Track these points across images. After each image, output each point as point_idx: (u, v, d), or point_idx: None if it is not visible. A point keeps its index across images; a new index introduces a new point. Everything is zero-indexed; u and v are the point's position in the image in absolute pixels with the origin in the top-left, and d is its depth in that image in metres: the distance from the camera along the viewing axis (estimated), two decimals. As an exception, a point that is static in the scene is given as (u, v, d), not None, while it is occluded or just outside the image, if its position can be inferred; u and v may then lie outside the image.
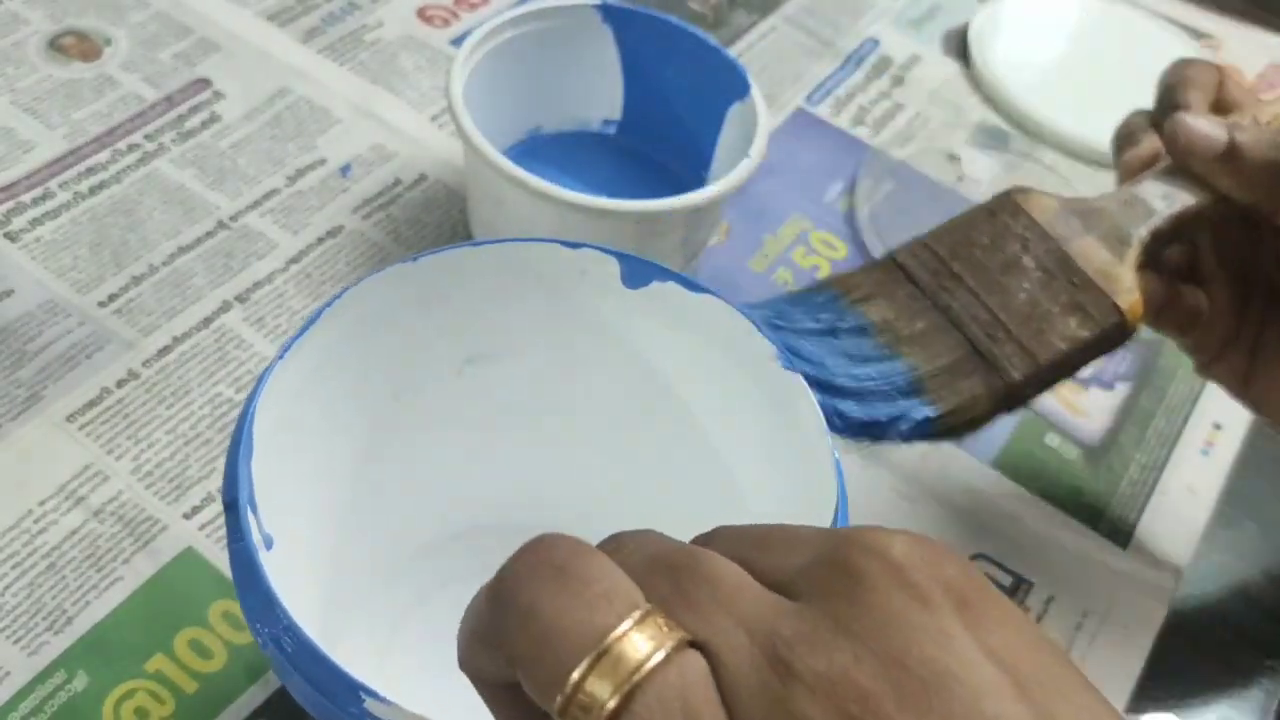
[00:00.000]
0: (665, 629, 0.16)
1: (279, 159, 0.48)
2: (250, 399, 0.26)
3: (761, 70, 0.56)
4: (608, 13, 0.46)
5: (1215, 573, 0.42)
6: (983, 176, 0.54)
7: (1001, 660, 0.15)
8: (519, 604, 0.16)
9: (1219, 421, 0.46)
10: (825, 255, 0.49)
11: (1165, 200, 0.34)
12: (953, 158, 0.54)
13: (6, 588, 0.35)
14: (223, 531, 0.37)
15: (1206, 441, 0.46)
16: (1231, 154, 0.32)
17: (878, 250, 0.49)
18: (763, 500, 0.30)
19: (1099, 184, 0.54)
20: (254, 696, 0.34)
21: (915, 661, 0.15)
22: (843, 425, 0.30)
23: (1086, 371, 0.47)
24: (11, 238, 0.43)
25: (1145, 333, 0.49)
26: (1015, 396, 0.32)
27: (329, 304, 0.28)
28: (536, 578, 0.16)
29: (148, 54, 0.50)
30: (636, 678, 0.15)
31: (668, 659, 0.15)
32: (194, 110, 0.49)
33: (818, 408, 0.27)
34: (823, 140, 0.54)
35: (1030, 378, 0.32)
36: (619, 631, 0.15)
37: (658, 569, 0.17)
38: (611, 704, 0.15)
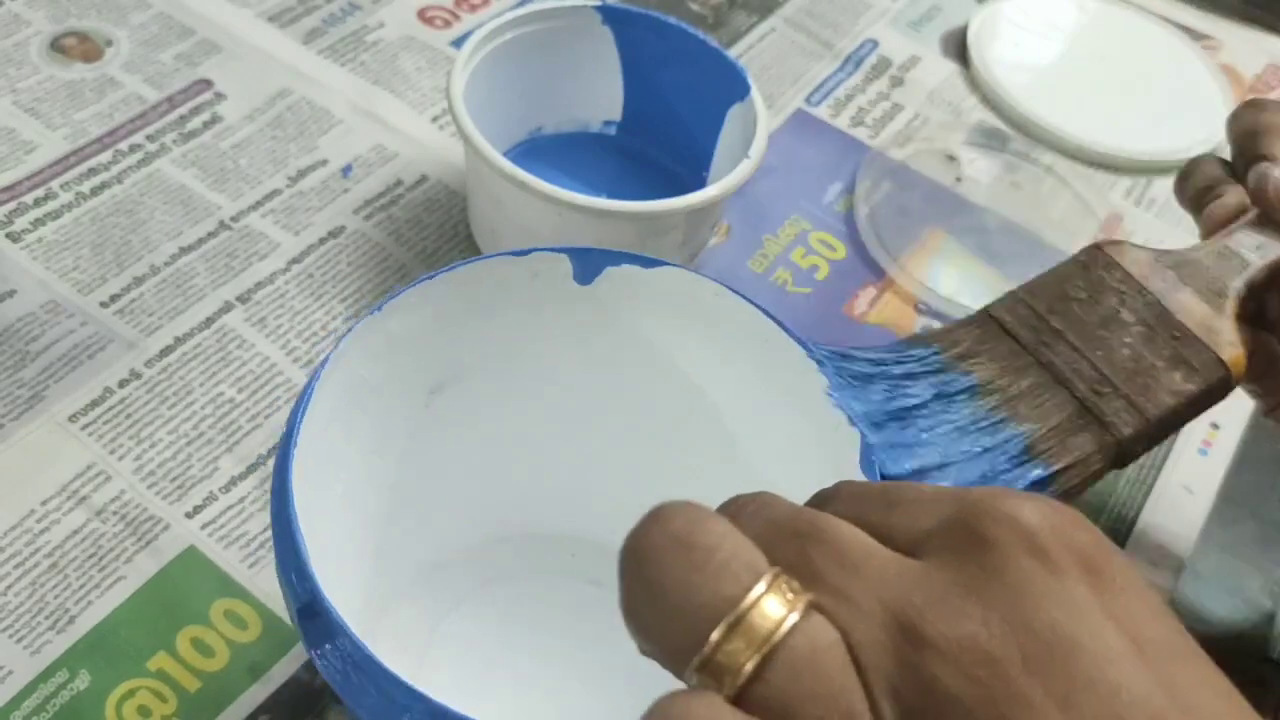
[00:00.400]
0: (792, 594, 0.16)
1: (280, 160, 0.48)
2: (294, 416, 0.26)
3: (761, 71, 0.56)
4: (608, 14, 0.46)
5: (1213, 572, 0.42)
6: (981, 177, 0.54)
7: (1125, 628, 0.15)
8: (645, 580, 0.16)
9: (1217, 421, 0.46)
10: (824, 255, 0.49)
11: (1259, 251, 0.34)
12: (951, 158, 0.55)
13: (9, 587, 0.35)
14: (224, 531, 0.37)
15: (1204, 441, 0.46)
16: None
17: (876, 250, 0.50)
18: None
19: (1099, 185, 0.55)
20: (256, 694, 0.34)
21: (1043, 627, 0.15)
22: None
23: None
24: (14, 238, 0.43)
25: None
26: (1126, 454, 0.31)
27: (365, 317, 0.28)
28: (659, 551, 0.16)
29: (149, 55, 0.51)
30: (769, 645, 0.15)
31: (798, 625, 0.16)
32: (195, 111, 0.49)
33: (842, 412, 0.27)
34: (822, 141, 0.54)
35: (1140, 434, 0.31)
36: (750, 599, 0.16)
37: (782, 535, 0.17)
38: (749, 667, 0.15)
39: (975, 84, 0.59)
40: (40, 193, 0.45)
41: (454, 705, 0.22)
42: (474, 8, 0.56)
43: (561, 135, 0.50)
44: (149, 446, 0.38)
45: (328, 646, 0.23)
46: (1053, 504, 0.17)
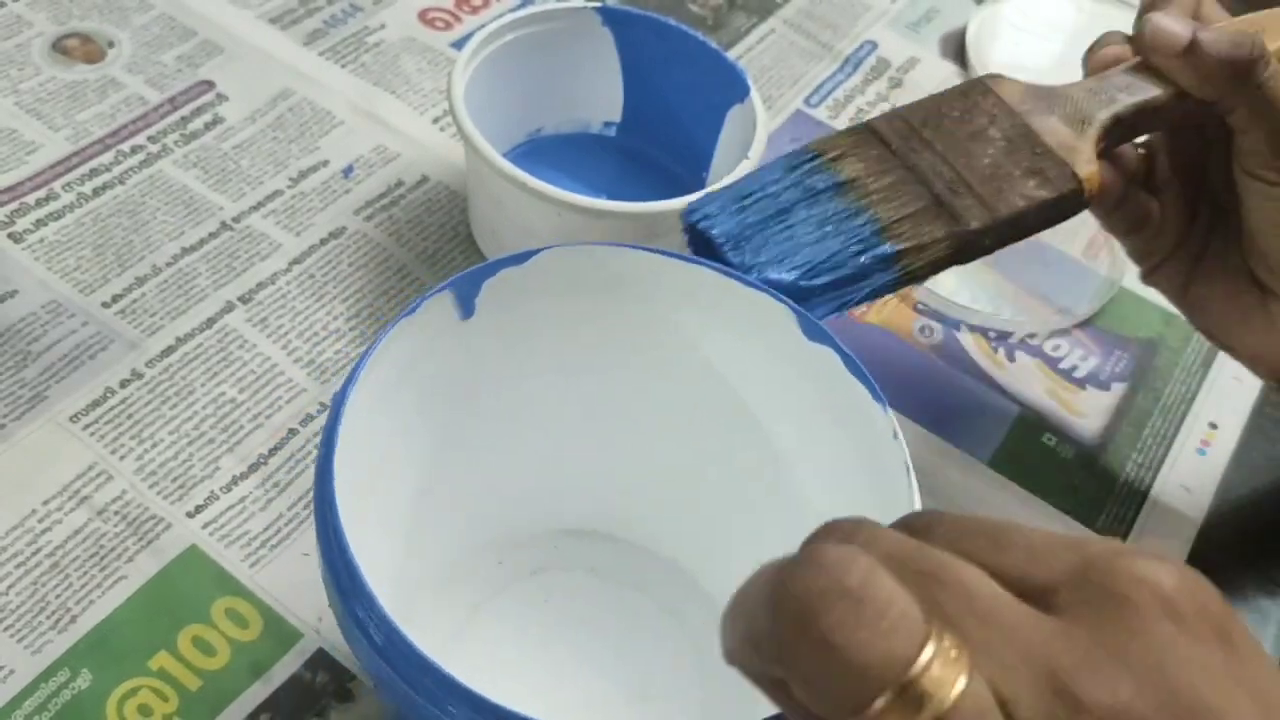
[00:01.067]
0: (954, 658, 0.16)
1: (281, 160, 0.48)
2: (336, 407, 0.27)
3: (761, 72, 0.56)
4: (608, 15, 0.46)
5: (1211, 572, 0.42)
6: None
7: (1254, 694, 0.16)
8: (815, 631, 0.16)
9: (1215, 421, 0.46)
10: (824, 256, 0.49)
11: (1128, 91, 0.36)
12: (951, 159, 0.55)
13: (10, 587, 0.35)
14: (225, 530, 0.37)
15: (1202, 441, 0.46)
16: (1192, 49, 0.34)
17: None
18: (834, 506, 0.31)
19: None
20: (257, 693, 0.34)
21: (1186, 693, 0.16)
22: (815, 298, 0.32)
23: (1081, 371, 0.47)
24: (16, 239, 0.44)
25: (1141, 333, 0.49)
26: (973, 245, 0.34)
27: (404, 315, 0.29)
28: (834, 606, 0.16)
29: (151, 56, 0.51)
30: (939, 712, 0.15)
31: (963, 693, 0.16)
32: (197, 112, 0.49)
33: (889, 415, 0.29)
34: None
35: (988, 228, 0.34)
36: (919, 666, 0.16)
37: (905, 573, 0.17)
38: None
39: (974, 85, 0.59)
40: (42, 193, 0.45)
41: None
42: (475, 9, 0.56)
43: (562, 136, 0.50)
44: (150, 446, 0.39)
45: (364, 627, 0.24)
46: (1181, 566, 0.17)
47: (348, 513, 0.25)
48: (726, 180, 0.42)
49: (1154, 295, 0.51)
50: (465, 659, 0.34)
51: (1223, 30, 0.35)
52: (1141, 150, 0.39)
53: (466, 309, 0.30)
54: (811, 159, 0.34)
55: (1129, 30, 0.38)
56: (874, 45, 0.59)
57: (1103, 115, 0.35)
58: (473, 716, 0.22)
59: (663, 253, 0.31)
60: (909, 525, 0.19)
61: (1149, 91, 0.36)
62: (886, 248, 0.33)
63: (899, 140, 0.35)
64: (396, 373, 0.29)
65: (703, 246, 0.34)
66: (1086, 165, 0.35)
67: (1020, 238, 0.35)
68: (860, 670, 0.16)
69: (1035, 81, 0.37)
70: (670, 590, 0.37)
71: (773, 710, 0.18)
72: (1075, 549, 0.17)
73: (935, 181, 0.34)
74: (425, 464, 0.33)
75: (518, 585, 0.36)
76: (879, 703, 0.15)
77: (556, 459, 0.35)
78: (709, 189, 0.41)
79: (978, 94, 0.36)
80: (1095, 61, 0.37)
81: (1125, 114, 0.36)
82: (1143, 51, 0.36)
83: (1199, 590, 0.17)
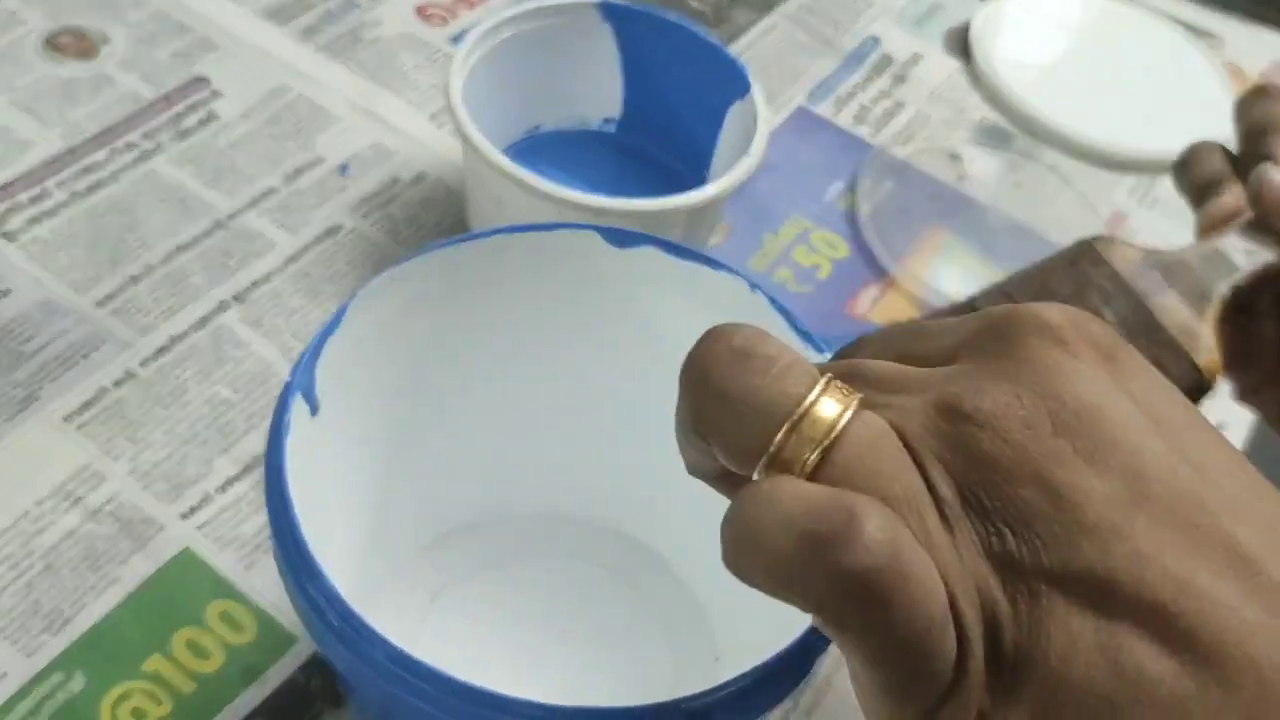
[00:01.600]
0: (846, 393, 0.17)
1: (277, 158, 0.47)
2: (285, 393, 0.26)
3: (762, 69, 0.56)
4: (608, 11, 0.46)
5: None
6: (984, 176, 0.54)
7: (1141, 404, 0.17)
8: (712, 388, 0.18)
9: (1223, 422, 0.46)
10: (826, 254, 0.49)
11: (1248, 256, 0.33)
12: (954, 157, 0.54)
13: (4, 588, 0.35)
14: (220, 531, 0.37)
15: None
16: None
17: (878, 249, 0.49)
18: None
19: (1100, 183, 0.54)
20: (251, 697, 0.33)
21: (1069, 398, 0.16)
22: None
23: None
24: (9, 237, 0.43)
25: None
26: None
27: (360, 289, 0.28)
28: (723, 362, 0.18)
29: (145, 52, 0.50)
30: (832, 435, 0.17)
31: (855, 416, 0.17)
32: (191, 109, 0.49)
33: None
34: (823, 139, 0.54)
35: None
36: (810, 399, 0.17)
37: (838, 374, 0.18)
38: (813, 459, 0.17)
39: (978, 82, 0.58)
40: (35, 191, 0.45)
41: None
42: (472, 5, 0.56)
43: (561, 133, 0.49)
44: (144, 447, 0.38)
45: (323, 614, 0.23)
46: (1069, 306, 0.18)
47: (303, 495, 0.25)
48: (724, 181, 0.41)
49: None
50: (433, 640, 0.34)
51: None
52: None
53: (430, 290, 0.30)
54: None
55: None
56: (877, 41, 0.59)
57: (1222, 288, 0.33)
58: (425, 688, 0.22)
59: (623, 233, 0.31)
60: (841, 350, 0.21)
61: (1269, 256, 0.33)
62: None
63: None
64: (355, 352, 0.29)
65: None
66: (1207, 353, 0.32)
67: None
68: (756, 411, 0.17)
69: (1150, 247, 0.34)
70: (643, 572, 0.37)
71: (740, 671, 0.19)
72: (982, 316, 0.18)
73: None
74: (388, 449, 0.32)
75: (487, 570, 0.36)
76: (778, 437, 0.17)
77: (522, 444, 0.35)
78: (703, 199, 0.40)
79: (1088, 264, 0.33)
80: (1209, 217, 0.35)
81: (1245, 283, 0.33)
82: (1260, 213, 0.33)
83: (1087, 322, 0.18)
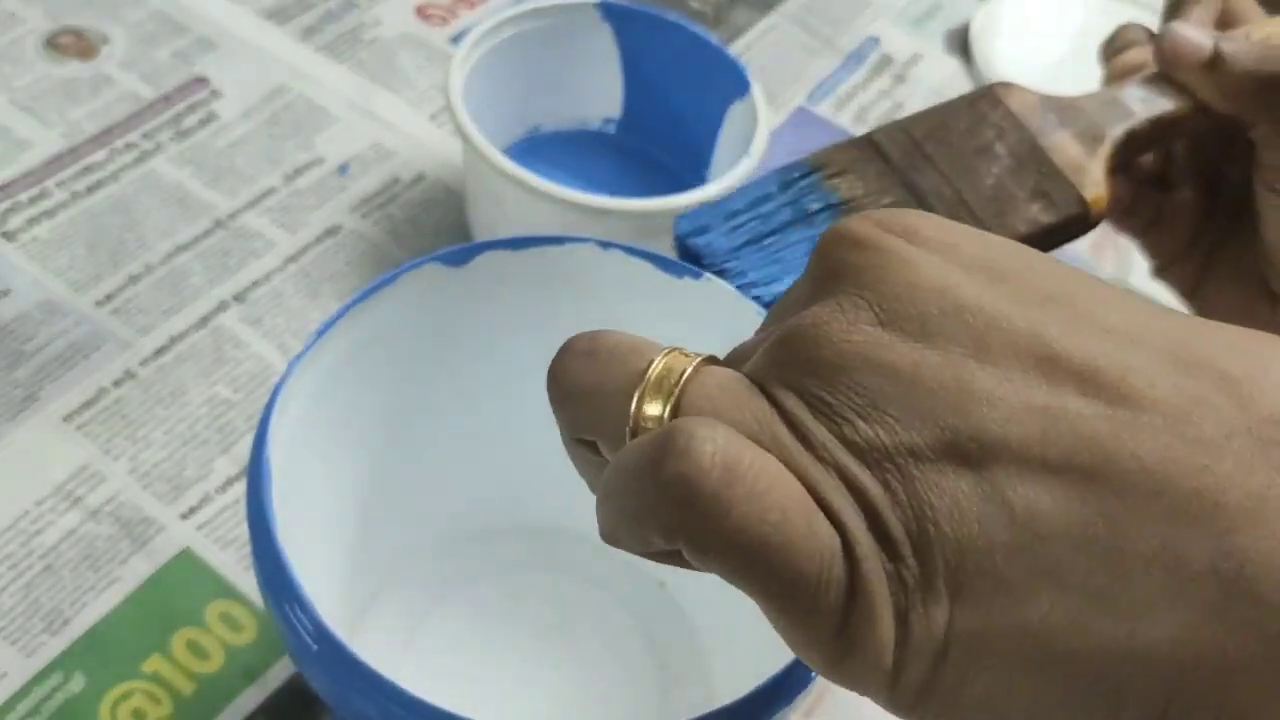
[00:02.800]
0: (688, 354, 0.18)
1: (277, 158, 0.47)
2: (271, 398, 0.26)
3: (762, 69, 0.56)
4: (608, 10, 0.46)
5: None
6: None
7: (967, 264, 0.17)
8: (566, 390, 0.19)
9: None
10: (826, 254, 0.49)
11: (1145, 104, 0.34)
12: (954, 156, 0.54)
13: (3, 589, 0.35)
14: (220, 532, 0.37)
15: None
16: (1215, 64, 0.33)
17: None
18: None
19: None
20: (251, 698, 0.33)
21: (886, 287, 0.17)
22: None
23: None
24: (8, 237, 0.43)
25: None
26: None
27: (346, 308, 0.28)
28: (575, 366, 0.19)
29: (145, 52, 0.50)
30: (678, 389, 0.17)
31: (698, 367, 0.18)
32: (191, 109, 0.49)
33: None
34: (824, 139, 0.53)
35: None
36: (654, 366, 0.18)
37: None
38: (665, 414, 0.17)
39: (978, 81, 0.58)
40: (35, 191, 0.45)
41: (437, 699, 0.21)
42: (472, 4, 0.56)
43: (561, 133, 0.49)
44: (144, 447, 0.38)
45: (303, 631, 0.23)
46: (868, 211, 0.18)
47: (287, 510, 0.25)
48: (724, 182, 0.41)
49: (1160, 295, 0.50)
50: (420, 656, 0.34)
51: (1249, 43, 0.33)
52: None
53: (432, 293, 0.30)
54: (806, 174, 0.33)
55: (1146, 23, 0.37)
56: (877, 41, 0.59)
57: (1116, 131, 0.34)
58: (405, 715, 0.22)
59: (620, 247, 0.31)
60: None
61: (1166, 104, 0.34)
62: None
63: (900, 155, 0.33)
64: (342, 364, 0.29)
65: (692, 261, 0.33)
66: (1094, 187, 0.33)
67: None
68: (609, 395, 0.18)
69: (1047, 91, 0.35)
70: (635, 589, 0.36)
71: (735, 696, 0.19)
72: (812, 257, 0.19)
73: (935, 204, 0.33)
74: (374, 460, 0.32)
75: (477, 585, 0.36)
76: (631, 409, 0.17)
77: (514, 457, 0.35)
78: (702, 199, 0.40)
79: (986, 105, 0.34)
80: (1114, 68, 0.36)
81: (1141, 129, 0.34)
82: (1162, 62, 0.34)
83: (886, 216, 0.18)
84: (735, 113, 0.45)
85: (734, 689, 0.24)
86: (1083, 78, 0.60)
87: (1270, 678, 0.14)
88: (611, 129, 0.49)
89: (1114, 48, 0.37)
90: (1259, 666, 0.14)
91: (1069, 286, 0.17)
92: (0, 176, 0.45)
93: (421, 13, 0.55)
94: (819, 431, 0.16)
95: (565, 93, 0.48)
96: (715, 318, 0.30)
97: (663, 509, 0.16)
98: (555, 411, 0.19)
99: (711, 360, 0.18)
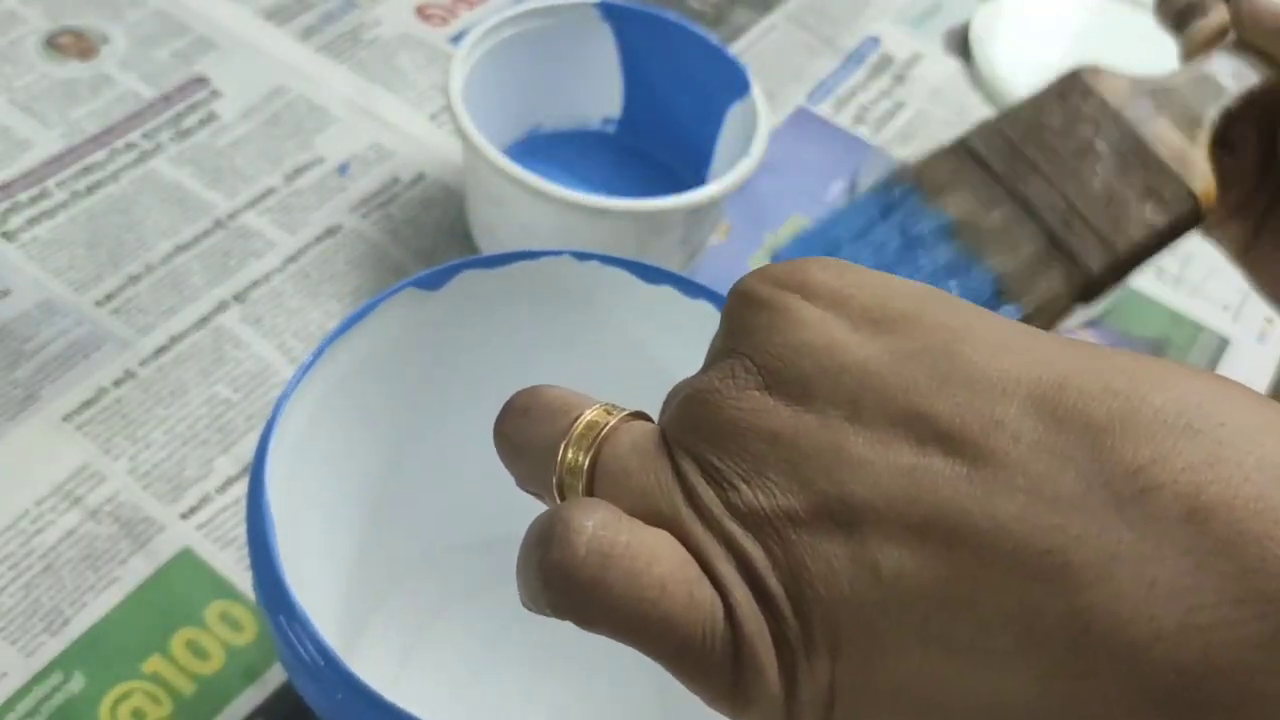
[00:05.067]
0: (613, 411, 0.19)
1: (276, 158, 0.47)
2: (275, 411, 0.26)
3: (762, 68, 0.56)
4: (607, 11, 0.46)
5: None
6: (984, 175, 0.54)
7: (855, 316, 0.17)
8: (508, 447, 0.20)
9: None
10: (826, 254, 0.49)
11: (1236, 79, 0.33)
12: (954, 156, 0.54)
13: (3, 588, 0.34)
14: (220, 532, 0.37)
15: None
16: None
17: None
18: None
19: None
20: (251, 698, 0.33)
21: (772, 350, 0.17)
22: None
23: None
24: (8, 237, 0.43)
25: (1148, 332, 0.49)
26: (1094, 289, 0.31)
27: (348, 324, 0.28)
28: (514, 425, 0.19)
29: (145, 52, 0.50)
30: (600, 437, 0.18)
31: (619, 424, 0.18)
32: (191, 109, 0.48)
33: None
34: (824, 139, 0.54)
35: (1109, 268, 0.31)
36: (583, 419, 0.18)
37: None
38: (585, 462, 0.18)
39: (978, 81, 0.58)
40: (35, 191, 0.45)
41: (436, 714, 0.21)
42: (472, 4, 0.56)
43: (561, 133, 0.49)
44: (144, 447, 0.38)
45: (298, 644, 0.23)
46: (765, 266, 0.19)
47: (286, 523, 0.24)
48: (725, 182, 0.41)
49: (1160, 295, 0.50)
50: (419, 670, 0.33)
51: None
52: None
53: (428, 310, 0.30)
54: (906, 193, 0.32)
55: None
56: (877, 41, 0.59)
57: (1212, 112, 0.32)
58: None
59: (596, 257, 0.30)
60: None
61: (1254, 77, 0.32)
62: (1010, 309, 0.30)
63: (1001, 163, 0.32)
64: (343, 380, 0.29)
65: None
66: (1201, 180, 0.31)
67: (1135, 268, 0.32)
68: (541, 449, 0.19)
69: (1137, 75, 0.33)
70: None
71: None
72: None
73: (1048, 215, 0.31)
74: (371, 481, 0.32)
75: (476, 597, 0.35)
76: (558, 454, 0.18)
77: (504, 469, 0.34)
78: (703, 199, 0.40)
79: (1077, 96, 0.33)
80: (1192, 39, 0.34)
81: (1234, 107, 0.32)
82: (1239, 29, 0.33)
83: (781, 271, 0.18)
84: (735, 113, 0.45)
85: None
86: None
87: None
88: (611, 129, 0.49)
89: (1177, 7, 0.35)
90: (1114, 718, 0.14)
91: (956, 331, 0.17)
92: (0, 176, 0.45)
93: (421, 13, 0.55)
94: (708, 497, 0.17)
95: (565, 93, 0.48)
96: (694, 322, 0.30)
97: (548, 592, 0.17)
98: (506, 468, 0.20)
99: (636, 416, 0.19)
